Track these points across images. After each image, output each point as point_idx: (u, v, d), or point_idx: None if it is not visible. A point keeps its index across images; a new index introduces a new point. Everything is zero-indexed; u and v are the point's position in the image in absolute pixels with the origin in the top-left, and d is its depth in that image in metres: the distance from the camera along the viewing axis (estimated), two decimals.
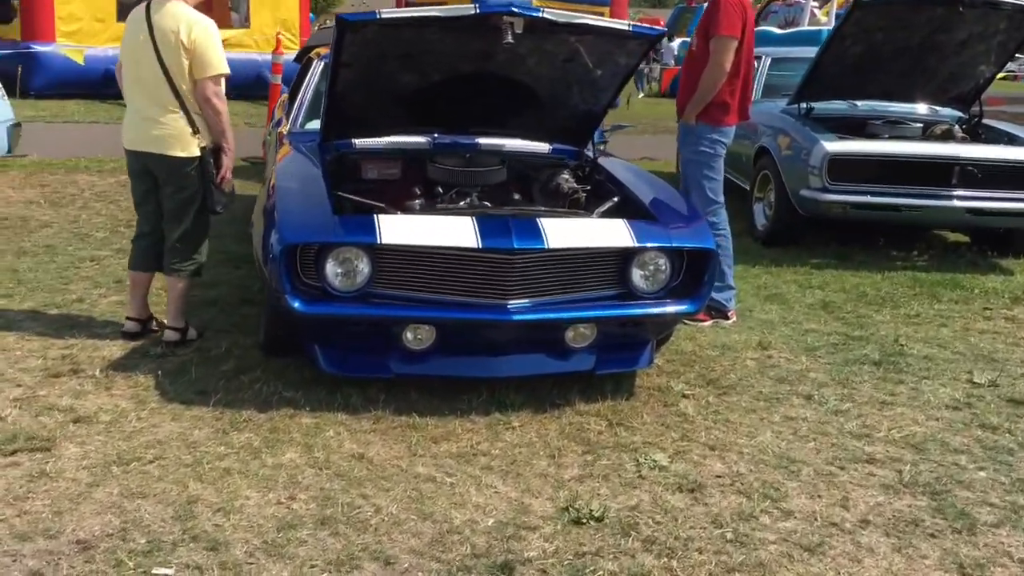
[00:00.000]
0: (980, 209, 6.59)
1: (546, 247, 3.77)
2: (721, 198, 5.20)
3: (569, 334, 3.94)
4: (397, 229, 3.74)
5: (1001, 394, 4.36)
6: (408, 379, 3.97)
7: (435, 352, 3.90)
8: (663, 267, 4.01)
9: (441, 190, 4.55)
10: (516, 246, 3.72)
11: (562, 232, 3.85)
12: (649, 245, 3.94)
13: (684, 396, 4.17)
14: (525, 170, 4.95)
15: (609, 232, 3.95)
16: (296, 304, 3.66)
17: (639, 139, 12.20)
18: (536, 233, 3.81)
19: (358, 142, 4.97)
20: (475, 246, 3.71)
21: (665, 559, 2.87)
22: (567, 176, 4.74)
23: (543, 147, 5.11)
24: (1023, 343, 5.14)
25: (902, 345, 4.98)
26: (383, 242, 3.68)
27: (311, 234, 3.73)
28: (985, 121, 7.46)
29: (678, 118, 5.29)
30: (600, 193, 4.69)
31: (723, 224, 5.20)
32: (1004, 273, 6.68)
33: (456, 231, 3.76)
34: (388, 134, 4.92)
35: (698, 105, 5.08)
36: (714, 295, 5.15)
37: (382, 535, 2.91)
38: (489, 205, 4.41)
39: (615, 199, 4.46)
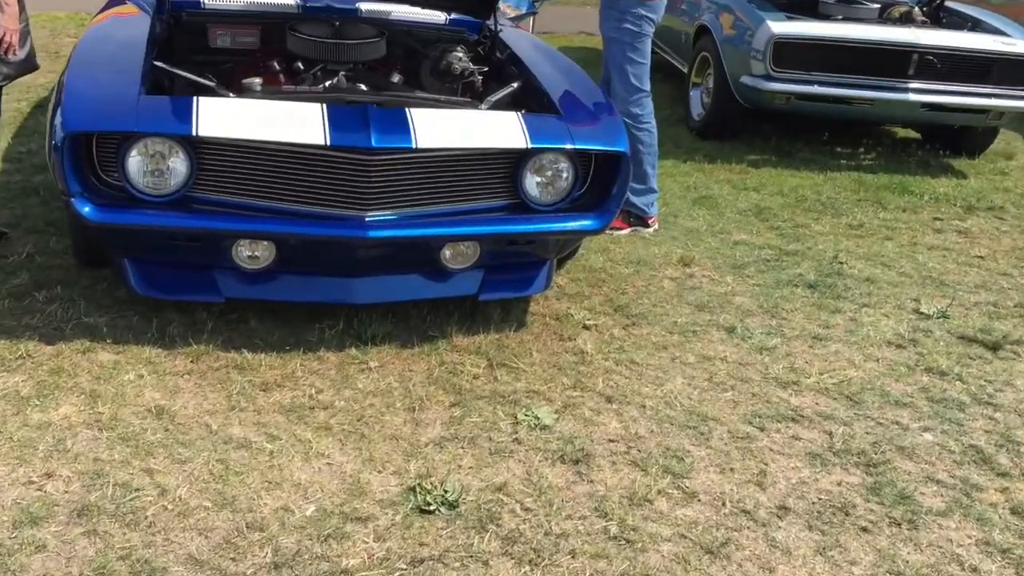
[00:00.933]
0: (938, 105, 5.88)
1: (414, 146, 2.98)
2: (647, 85, 4.41)
3: (446, 253, 3.21)
4: (221, 118, 2.92)
5: (951, 328, 3.76)
6: (244, 304, 3.23)
7: (276, 272, 3.14)
8: (564, 173, 3.26)
9: (301, 67, 3.71)
10: (375, 144, 2.93)
11: (437, 127, 3.06)
12: (546, 146, 3.17)
13: (585, 327, 3.49)
14: (412, 45, 4.10)
15: (497, 128, 3.16)
16: (86, 210, 2.85)
17: (580, 11, 11.16)
18: (403, 128, 3.01)
19: (208, 1, 4.06)
20: (322, 143, 2.91)
21: (526, 568, 2.23)
22: (460, 54, 3.90)
23: (438, 17, 4.25)
24: (976, 263, 4.54)
25: (841, 263, 4.34)
26: (200, 134, 2.86)
27: (102, 120, 2.89)
28: (949, 3, 6.70)
29: None
30: (500, 77, 3.88)
31: (647, 117, 4.44)
32: (957, 176, 6.05)
33: (299, 123, 2.94)
34: None
35: None
36: (634, 198, 4.44)
37: (156, 533, 2.21)
38: (363, 88, 3.58)
39: (514, 84, 3.66)
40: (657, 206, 4.62)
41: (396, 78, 3.83)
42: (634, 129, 4.36)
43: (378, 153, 2.95)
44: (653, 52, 4.59)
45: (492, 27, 4.07)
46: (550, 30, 9.60)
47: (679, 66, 7.19)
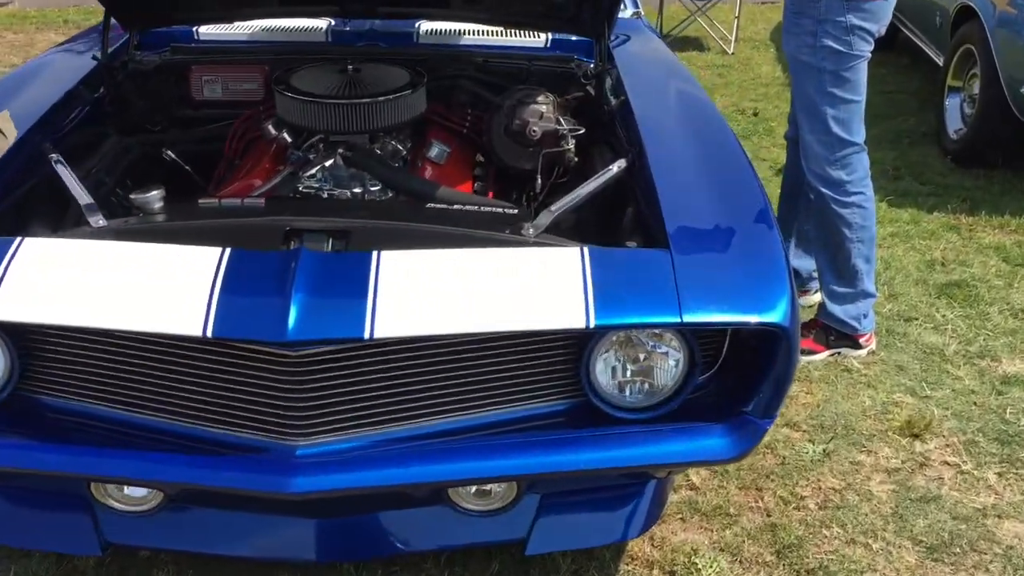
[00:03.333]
0: None
1: (366, 336, 1.60)
2: (859, 135, 2.77)
3: (459, 491, 1.86)
4: (37, 281, 1.68)
5: None
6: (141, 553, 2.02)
7: (180, 512, 1.90)
8: (668, 359, 1.77)
9: (288, 139, 2.42)
10: (293, 337, 1.59)
11: (418, 294, 1.66)
12: (627, 322, 1.69)
13: None
14: (483, 86, 2.70)
15: (536, 290, 1.67)
16: None
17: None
18: (354, 294, 1.64)
19: (206, 31, 2.86)
20: (198, 333, 1.60)
21: None
22: (543, 105, 2.44)
23: (535, 40, 2.83)
24: None
25: None
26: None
27: None
28: None
29: None
30: (596, 145, 2.43)
31: (859, 183, 2.78)
32: None
33: (173, 288, 1.66)
34: (241, 14, 2.77)
35: None
36: (835, 308, 2.88)
37: None
38: (340, 193, 2.27)
39: (612, 170, 2.16)
40: (873, 316, 2.98)
41: (434, 151, 2.45)
42: (836, 204, 2.76)
43: (302, 348, 1.61)
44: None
45: (604, 52, 2.58)
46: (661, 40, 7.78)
47: (932, 55, 5.30)
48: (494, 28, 2.81)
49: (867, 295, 2.90)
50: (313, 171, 2.34)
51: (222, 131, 2.61)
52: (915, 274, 3.44)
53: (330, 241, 1.82)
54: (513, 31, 2.82)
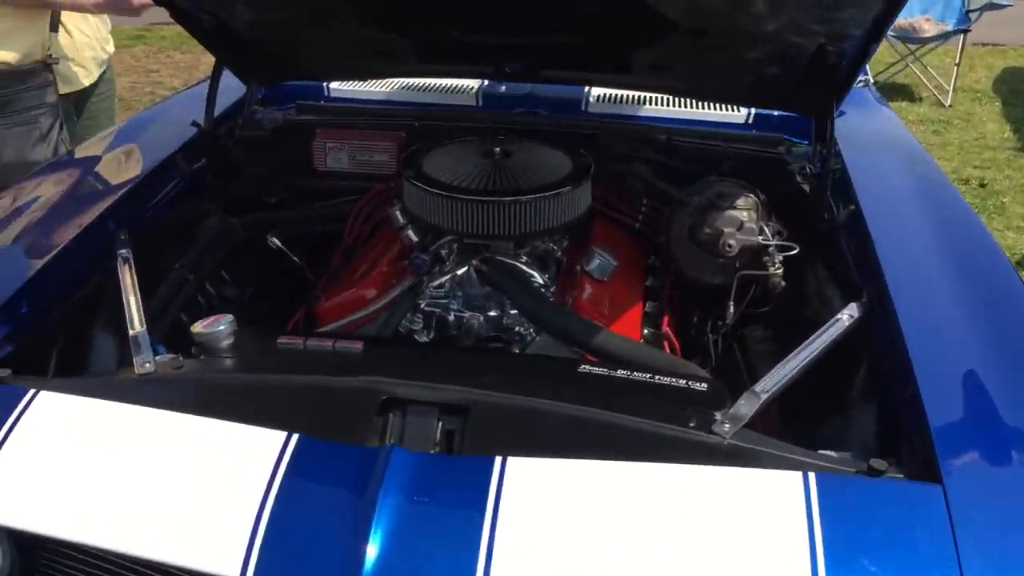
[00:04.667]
0: None
1: None
2: None
3: None
4: (37, 470, 1.23)
5: None
6: None
7: None
8: None
9: (414, 238, 1.93)
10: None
11: (551, 533, 1.10)
12: None
13: None
14: (661, 175, 2.12)
15: (736, 542, 1.09)
16: None
17: None
18: (462, 554, 1.09)
19: (335, 86, 2.43)
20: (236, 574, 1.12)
21: None
22: (744, 211, 1.85)
23: (734, 115, 2.26)
24: None
25: None
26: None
27: None
28: None
29: None
30: (812, 259, 1.83)
31: None
32: None
33: (206, 505, 1.18)
34: (378, 71, 2.32)
35: None
36: None
37: None
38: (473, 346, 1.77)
39: (843, 318, 1.54)
40: None
41: (595, 263, 1.88)
42: None
43: None
44: None
45: (829, 139, 1.95)
46: (993, 41, 6.84)
47: None
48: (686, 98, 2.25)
49: None
50: (440, 282, 1.84)
51: (342, 211, 2.15)
52: None
53: (439, 426, 1.29)
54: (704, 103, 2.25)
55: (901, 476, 1.20)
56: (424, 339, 1.82)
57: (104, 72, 2.94)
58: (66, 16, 2.63)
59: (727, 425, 1.29)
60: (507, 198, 1.76)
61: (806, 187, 1.95)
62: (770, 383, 1.38)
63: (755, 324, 1.91)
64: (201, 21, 1.93)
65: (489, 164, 1.89)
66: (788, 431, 1.53)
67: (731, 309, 1.87)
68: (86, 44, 2.79)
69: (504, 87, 2.35)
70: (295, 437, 1.21)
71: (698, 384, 1.40)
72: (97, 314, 1.67)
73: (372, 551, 1.07)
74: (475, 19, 1.87)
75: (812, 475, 1.16)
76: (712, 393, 1.38)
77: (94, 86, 2.90)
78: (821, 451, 1.31)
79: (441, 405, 1.30)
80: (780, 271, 1.82)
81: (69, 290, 1.64)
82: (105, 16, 2.86)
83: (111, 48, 2.97)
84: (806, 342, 1.47)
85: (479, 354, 1.68)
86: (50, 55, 2.57)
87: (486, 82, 2.36)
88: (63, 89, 2.66)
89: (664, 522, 1.12)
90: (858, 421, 1.44)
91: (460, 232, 1.80)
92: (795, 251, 1.80)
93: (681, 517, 1.12)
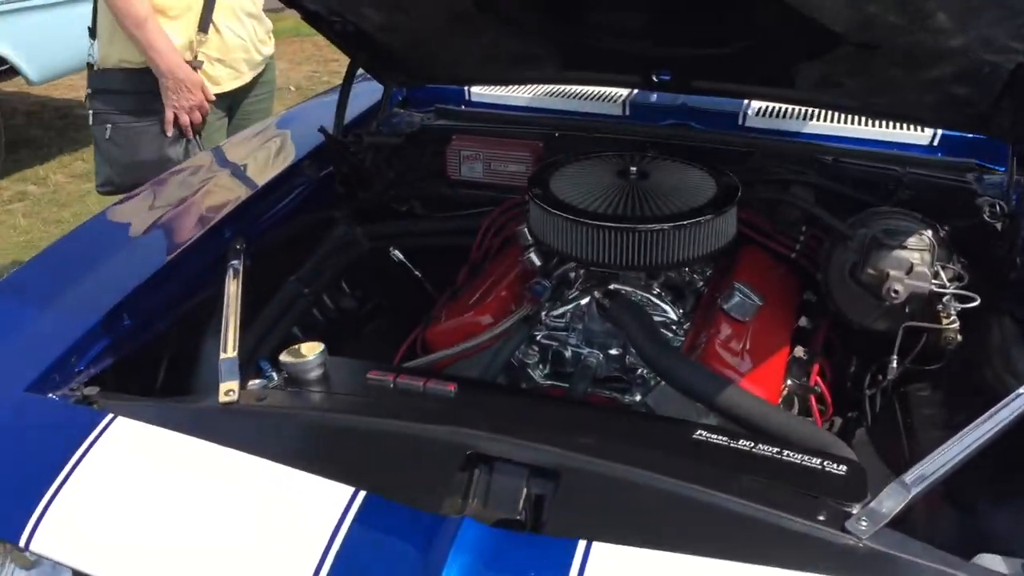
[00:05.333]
0: None
1: None
2: None
3: None
4: (100, 507, 1.17)
5: None
6: None
7: None
8: None
9: (536, 262, 1.77)
10: None
11: None
12: None
13: None
14: (827, 198, 1.88)
15: None
16: None
17: None
18: None
19: (477, 90, 2.31)
20: None
21: None
22: (915, 252, 1.59)
23: (919, 137, 1.98)
24: None
25: None
26: (33, 547, 1.16)
27: None
28: None
29: None
30: (999, 311, 1.55)
31: None
32: None
33: (263, 561, 1.08)
34: (519, 78, 2.19)
35: None
36: None
37: None
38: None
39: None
40: None
41: (734, 300, 1.65)
42: None
43: None
44: None
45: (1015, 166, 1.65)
46: None
47: None
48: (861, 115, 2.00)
49: None
50: (560, 311, 1.68)
51: (470, 224, 2.03)
52: None
53: (525, 491, 1.14)
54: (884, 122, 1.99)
55: None
56: (537, 374, 1.68)
57: (261, 74, 2.84)
58: (218, 15, 2.59)
59: (864, 523, 1.07)
60: (639, 226, 1.58)
61: (997, 225, 1.67)
62: (928, 469, 1.14)
63: (922, 382, 1.65)
64: (332, 24, 1.85)
65: (623, 185, 1.72)
66: (952, 515, 1.30)
67: (894, 363, 1.61)
68: (238, 46, 2.68)
69: (655, 96, 2.16)
70: (361, 495, 1.09)
71: (835, 466, 1.18)
72: (202, 330, 1.61)
73: None
74: (622, 25, 1.70)
75: None
76: (850, 478, 1.16)
77: (249, 88, 2.80)
78: (984, 555, 1.08)
79: (531, 467, 1.15)
80: (956, 324, 1.56)
81: (177, 302, 1.60)
82: (264, 16, 2.80)
83: (269, 50, 2.85)
84: (979, 419, 1.21)
85: (582, 408, 1.52)
86: (195, 56, 2.55)
87: (635, 90, 2.18)
88: (212, 91, 2.62)
89: None
90: None
91: (584, 260, 1.64)
92: (976, 303, 1.53)
93: None
